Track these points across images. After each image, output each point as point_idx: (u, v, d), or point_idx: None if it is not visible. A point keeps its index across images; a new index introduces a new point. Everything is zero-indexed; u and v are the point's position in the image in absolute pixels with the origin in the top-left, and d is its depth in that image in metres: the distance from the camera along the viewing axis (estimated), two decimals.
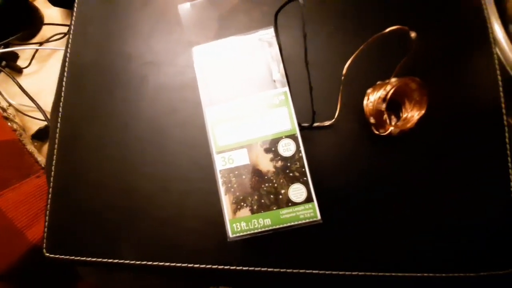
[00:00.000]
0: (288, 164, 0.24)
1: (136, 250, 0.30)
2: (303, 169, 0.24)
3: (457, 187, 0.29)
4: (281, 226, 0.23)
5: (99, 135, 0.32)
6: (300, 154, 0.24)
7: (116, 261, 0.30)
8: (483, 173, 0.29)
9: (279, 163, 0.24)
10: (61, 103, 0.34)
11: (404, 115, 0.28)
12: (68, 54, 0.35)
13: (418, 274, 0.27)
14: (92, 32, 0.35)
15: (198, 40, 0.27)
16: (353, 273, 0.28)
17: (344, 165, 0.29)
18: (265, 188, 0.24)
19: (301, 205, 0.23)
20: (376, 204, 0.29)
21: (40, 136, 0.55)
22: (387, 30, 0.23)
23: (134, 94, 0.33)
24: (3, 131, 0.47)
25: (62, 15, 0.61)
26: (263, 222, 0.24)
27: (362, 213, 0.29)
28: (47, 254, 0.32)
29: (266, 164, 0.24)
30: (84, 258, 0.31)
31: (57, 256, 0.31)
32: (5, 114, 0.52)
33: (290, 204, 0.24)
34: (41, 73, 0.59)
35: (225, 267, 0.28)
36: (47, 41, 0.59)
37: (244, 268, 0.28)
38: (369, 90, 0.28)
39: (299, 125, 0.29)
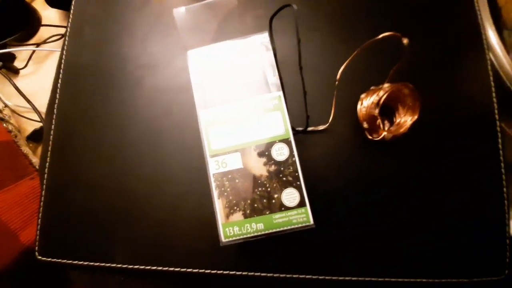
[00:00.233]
0: (281, 169, 0.24)
1: (129, 254, 0.30)
2: (296, 174, 0.24)
3: (450, 192, 0.29)
4: (274, 230, 0.23)
5: (93, 137, 0.32)
6: (294, 159, 0.24)
7: (108, 265, 0.30)
8: (476, 178, 0.29)
9: (273, 167, 0.24)
10: (55, 104, 0.34)
11: (397, 120, 0.28)
12: (64, 55, 0.35)
13: (412, 280, 0.27)
14: (88, 33, 0.35)
15: (193, 44, 0.27)
16: (346, 278, 0.27)
17: (337, 170, 0.29)
18: (258, 193, 0.24)
19: (294, 210, 0.23)
20: (369, 209, 0.29)
21: (35, 137, 0.55)
22: (380, 36, 0.24)
23: (129, 96, 0.33)
24: None
25: (60, 16, 0.61)
26: (256, 226, 0.24)
27: (355, 217, 0.29)
28: (39, 257, 0.31)
29: (260, 168, 0.24)
30: (76, 262, 0.30)
31: (49, 259, 0.31)
32: (0, 115, 0.52)
33: (283, 208, 0.24)
34: (38, 74, 0.59)
35: (219, 271, 0.28)
36: (44, 42, 0.59)
37: (237, 273, 0.28)
38: (362, 95, 0.28)
39: (293, 129, 0.29)
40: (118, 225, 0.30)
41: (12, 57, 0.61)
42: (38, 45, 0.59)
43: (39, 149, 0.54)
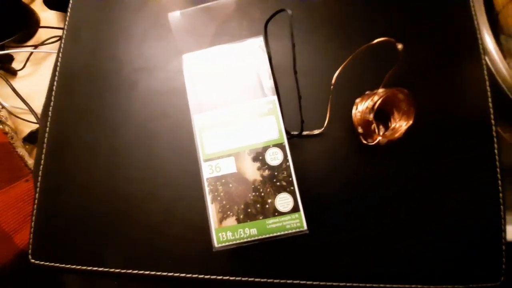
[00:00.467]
0: (275, 173, 0.24)
1: (122, 258, 0.29)
2: (290, 179, 0.24)
3: (445, 197, 0.29)
4: (267, 236, 0.23)
5: (88, 140, 0.32)
6: (288, 163, 0.24)
7: (101, 269, 0.29)
8: (472, 184, 0.29)
9: (266, 172, 0.24)
10: (50, 107, 0.34)
11: (393, 125, 0.28)
12: (60, 58, 0.35)
13: (407, 286, 0.27)
14: (84, 36, 0.35)
15: (188, 48, 0.27)
16: (341, 284, 0.27)
17: (332, 174, 0.29)
18: (251, 197, 0.24)
19: (288, 215, 0.23)
20: (364, 214, 0.28)
21: (31, 139, 0.55)
22: (375, 41, 0.24)
23: (124, 99, 0.33)
24: None
25: (58, 18, 0.62)
26: (249, 231, 0.23)
27: (350, 222, 0.28)
28: (32, 261, 0.31)
29: (253, 173, 0.24)
30: (69, 266, 0.30)
31: (42, 262, 0.31)
32: None
33: (276, 214, 0.23)
34: (35, 76, 0.59)
35: (212, 276, 0.28)
36: (42, 44, 0.59)
37: (230, 278, 0.28)
38: (357, 100, 0.28)
39: (289, 133, 0.29)
40: (112, 229, 0.30)
41: (10, 58, 0.61)
42: (36, 46, 0.59)
43: (35, 151, 0.54)
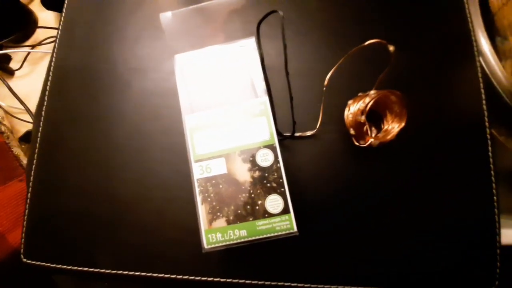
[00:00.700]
0: (266, 175, 0.24)
1: (114, 259, 0.29)
2: (281, 180, 0.24)
3: (438, 201, 0.29)
4: (257, 237, 0.23)
5: (81, 140, 0.32)
6: (278, 165, 0.24)
7: (92, 270, 0.29)
8: (466, 187, 0.29)
9: (257, 173, 0.24)
10: (44, 107, 0.34)
11: (385, 127, 0.28)
12: (54, 58, 0.35)
13: None
14: (78, 36, 0.35)
15: (180, 49, 0.27)
16: (332, 286, 0.27)
17: (324, 176, 0.29)
18: (242, 199, 0.24)
19: (278, 217, 0.23)
20: (355, 216, 0.28)
21: (27, 138, 0.55)
22: (366, 43, 0.24)
23: (117, 99, 0.33)
24: None
25: (56, 18, 0.62)
26: (239, 233, 0.23)
27: (341, 225, 0.28)
28: (24, 260, 0.31)
29: (244, 174, 0.24)
30: (60, 266, 0.30)
31: (33, 262, 0.31)
32: None
33: (266, 215, 0.23)
34: (32, 76, 0.59)
35: (203, 278, 0.28)
36: (40, 44, 0.59)
37: (221, 280, 0.28)
38: (350, 102, 0.28)
39: (281, 134, 0.29)
40: (103, 230, 0.30)
41: (8, 58, 0.61)
42: (33, 46, 0.59)
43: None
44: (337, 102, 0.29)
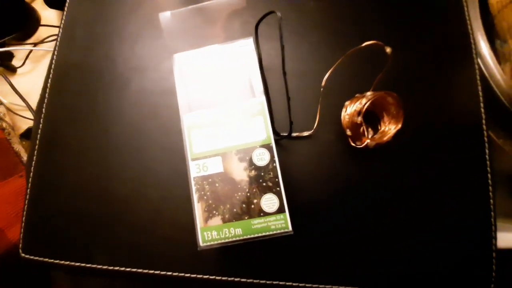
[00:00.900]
0: (262, 174, 0.24)
1: (110, 255, 0.30)
2: (277, 180, 0.24)
3: (434, 204, 0.29)
4: (252, 236, 0.23)
5: (80, 138, 0.33)
6: (274, 164, 0.24)
7: (89, 265, 0.29)
8: (462, 190, 0.29)
9: (253, 173, 0.24)
10: (44, 104, 0.34)
11: (382, 128, 0.28)
12: (55, 55, 0.36)
13: None
14: (79, 34, 0.36)
15: (179, 48, 0.27)
16: (327, 286, 0.27)
17: (320, 176, 0.29)
18: (237, 197, 0.24)
19: (273, 216, 0.23)
20: (351, 217, 0.28)
21: (28, 135, 0.55)
22: (363, 44, 0.24)
23: (116, 98, 0.33)
24: None
25: (58, 17, 0.62)
26: (234, 231, 0.23)
27: (336, 225, 0.28)
28: (23, 255, 0.31)
29: (240, 173, 0.24)
30: (57, 261, 0.30)
31: (32, 257, 0.31)
32: None
33: (262, 214, 0.23)
34: (34, 73, 0.60)
35: (198, 275, 0.28)
36: (42, 42, 0.59)
37: (217, 278, 0.28)
38: (347, 103, 0.28)
39: (278, 134, 0.29)
40: (101, 227, 0.30)
41: (10, 55, 0.61)
42: (35, 44, 0.60)
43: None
44: (334, 102, 0.29)
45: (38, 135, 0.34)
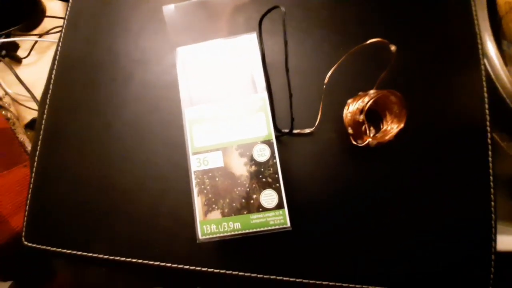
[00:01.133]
0: (262, 169, 0.24)
1: (111, 245, 0.30)
2: (276, 176, 0.24)
3: (434, 205, 0.29)
4: (250, 230, 0.23)
5: (83, 130, 0.33)
6: (274, 160, 0.24)
7: (90, 254, 0.30)
8: (463, 191, 0.29)
9: (253, 168, 0.24)
10: (48, 95, 0.35)
11: (384, 127, 0.28)
12: (59, 47, 0.36)
13: None
14: (83, 26, 0.36)
15: (182, 42, 0.27)
16: (324, 282, 0.27)
17: (320, 173, 0.29)
18: (237, 192, 0.24)
19: (272, 211, 0.23)
20: (350, 214, 0.28)
21: (33, 125, 0.56)
22: (368, 42, 0.23)
23: (119, 91, 0.33)
24: None
25: (63, 8, 0.62)
26: (233, 225, 0.24)
27: (336, 222, 0.28)
28: (25, 243, 0.32)
29: (240, 168, 0.24)
30: (59, 250, 0.31)
31: (34, 245, 0.32)
32: (0, 102, 0.53)
33: (261, 209, 0.24)
34: (39, 64, 0.60)
35: (197, 268, 0.28)
36: (47, 33, 0.60)
37: (215, 270, 0.28)
38: (349, 100, 0.28)
39: (279, 130, 0.29)
40: (102, 217, 0.31)
41: (15, 46, 0.62)
42: (40, 35, 0.60)
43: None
44: (336, 100, 0.29)
45: (42, 126, 0.34)
